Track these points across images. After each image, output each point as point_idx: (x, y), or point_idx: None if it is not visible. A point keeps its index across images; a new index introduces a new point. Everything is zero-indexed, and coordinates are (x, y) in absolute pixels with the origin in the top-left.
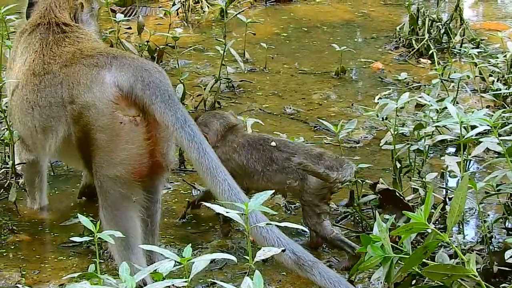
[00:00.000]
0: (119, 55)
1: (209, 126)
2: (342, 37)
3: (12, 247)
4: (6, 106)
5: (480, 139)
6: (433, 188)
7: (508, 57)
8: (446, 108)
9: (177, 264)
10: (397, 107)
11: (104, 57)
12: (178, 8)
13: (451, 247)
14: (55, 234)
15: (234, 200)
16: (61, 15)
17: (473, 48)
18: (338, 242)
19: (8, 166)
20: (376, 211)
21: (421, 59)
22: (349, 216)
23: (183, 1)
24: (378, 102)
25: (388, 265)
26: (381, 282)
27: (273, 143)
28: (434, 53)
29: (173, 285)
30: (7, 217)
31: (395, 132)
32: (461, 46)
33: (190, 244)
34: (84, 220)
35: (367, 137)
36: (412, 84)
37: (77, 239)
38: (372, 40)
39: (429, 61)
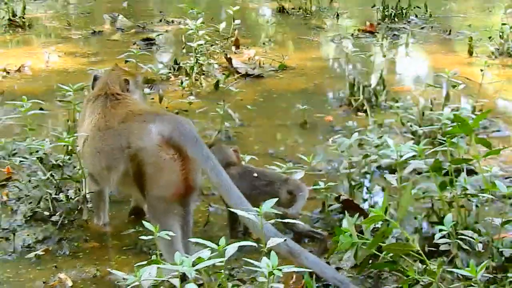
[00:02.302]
0: (161, 113)
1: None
2: (302, 99)
3: (87, 251)
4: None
5: (409, 161)
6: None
7: (420, 108)
8: (383, 144)
9: (213, 252)
10: (350, 143)
11: (150, 115)
12: (186, 83)
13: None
14: (116, 241)
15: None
16: (113, 87)
17: (394, 104)
18: (310, 233)
19: (78, 196)
20: (345, 213)
21: (358, 113)
22: (321, 220)
23: (187, 79)
24: (333, 143)
25: (355, 248)
26: (350, 261)
27: (255, 174)
28: (368, 109)
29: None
30: (80, 231)
31: (350, 160)
32: (385, 103)
33: (224, 237)
34: (147, 225)
35: (328, 167)
36: (355, 130)
37: (145, 238)
38: (323, 101)
39: (365, 114)
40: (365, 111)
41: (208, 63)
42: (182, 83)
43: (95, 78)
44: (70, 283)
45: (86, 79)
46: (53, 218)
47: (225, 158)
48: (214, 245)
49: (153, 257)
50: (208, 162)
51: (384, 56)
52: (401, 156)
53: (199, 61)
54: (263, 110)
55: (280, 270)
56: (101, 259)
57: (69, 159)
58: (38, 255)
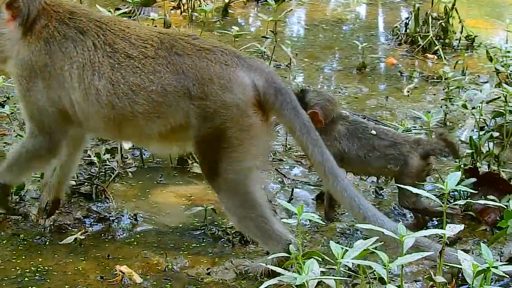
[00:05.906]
0: (238, 54)
1: (322, 109)
2: (342, 34)
3: (139, 236)
4: None
5: None
6: None
7: None
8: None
9: None
10: (484, 98)
11: (227, 55)
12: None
13: None
14: (174, 224)
15: (353, 197)
16: None
17: (469, 43)
18: (437, 209)
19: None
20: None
21: (427, 54)
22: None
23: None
24: (407, 95)
25: None
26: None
27: (373, 131)
28: (440, 49)
29: None
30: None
31: (478, 120)
32: (459, 42)
33: None
34: (284, 203)
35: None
36: (431, 78)
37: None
38: (373, 37)
39: (435, 56)
40: (436, 52)
41: None
42: (179, 7)
43: None
44: (138, 279)
45: None
46: (82, 189)
47: (333, 113)
48: (391, 233)
49: (291, 247)
50: (310, 135)
51: None
52: None
53: None
54: (299, 47)
55: (496, 267)
56: (164, 247)
57: None
58: (79, 239)
